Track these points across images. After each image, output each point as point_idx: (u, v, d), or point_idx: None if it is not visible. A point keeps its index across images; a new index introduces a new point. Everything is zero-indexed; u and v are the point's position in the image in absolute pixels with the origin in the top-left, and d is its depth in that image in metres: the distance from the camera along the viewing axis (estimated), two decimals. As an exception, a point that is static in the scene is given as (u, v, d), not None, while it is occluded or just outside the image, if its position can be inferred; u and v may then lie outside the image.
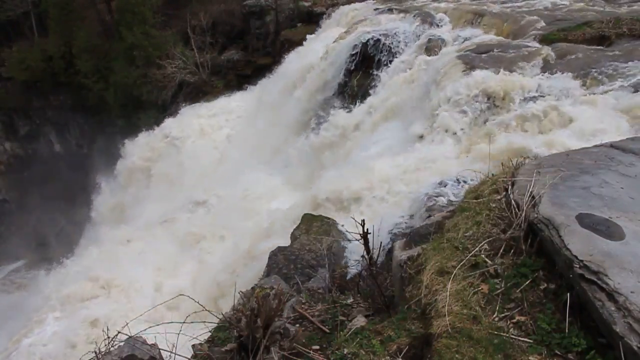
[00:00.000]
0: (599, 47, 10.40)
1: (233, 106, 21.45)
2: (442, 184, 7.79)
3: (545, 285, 3.20)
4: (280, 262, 7.63)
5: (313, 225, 8.52)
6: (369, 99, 13.45)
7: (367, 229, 4.27)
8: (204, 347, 3.87)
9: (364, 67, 14.78)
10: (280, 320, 3.67)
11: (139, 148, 21.41)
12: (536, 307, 3.11)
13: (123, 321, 3.76)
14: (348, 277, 6.29)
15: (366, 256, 4.46)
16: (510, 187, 3.97)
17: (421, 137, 10.01)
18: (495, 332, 2.98)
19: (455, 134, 9.42)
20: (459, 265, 3.46)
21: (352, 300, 4.63)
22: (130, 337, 3.58)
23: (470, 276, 3.37)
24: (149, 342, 3.64)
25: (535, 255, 3.38)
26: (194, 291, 10.69)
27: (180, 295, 4.02)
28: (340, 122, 13.78)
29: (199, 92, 24.52)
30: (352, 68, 14.99)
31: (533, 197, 3.59)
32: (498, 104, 9.26)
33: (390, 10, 17.21)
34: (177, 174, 18.91)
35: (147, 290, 11.64)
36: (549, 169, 4.04)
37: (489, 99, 9.38)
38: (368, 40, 14.83)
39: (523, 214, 3.50)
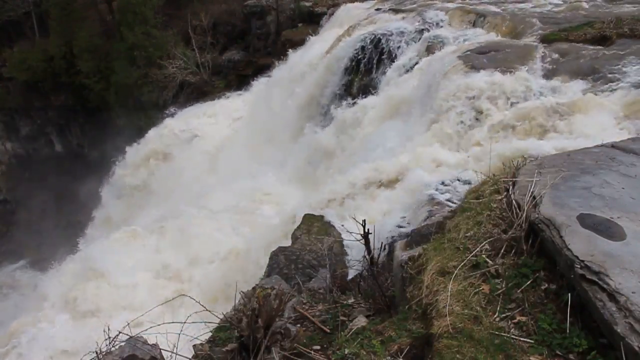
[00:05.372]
0: (600, 47, 10.39)
1: (234, 106, 21.44)
2: (443, 184, 7.78)
3: (546, 285, 3.20)
4: (281, 262, 7.64)
5: (314, 225, 8.52)
6: (369, 99, 13.44)
7: (368, 229, 4.27)
8: (205, 347, 3.87)
9: (365, 67, 14.78)
10: (281, 321, 3.67)
11: (141, 148, 21.39)
12: (537, 307, 3.10)
13: (124, 321, 3.76)
14: (349, 278, 6.28)
15: (367, 256, 4.46)
16: (511, 187, 3.97)
17: (422, 136, 10.01)
18: (496, 333, 2.98)
19: (456, 133, 9.42)
20: (460, 266, 3.46)
21: (353, 300, 4.63)
22: (131, 337, 3.58)
23: (471, 276, 3.37)
24: (150, 342, 3.64)
25: (536, 256, 3.38)
26: (195, 291, 10.69)
27: (182, 295, 4.02)
28: (340, 122, 13.77)
29: (200, 93, 24.54)
30: (353, 68, 14.99)
31: (534, 198, 3.59)
32: (499, 104, 9.26)
33: (391, 10, 17.22)
34: (178, 174, 18.90)
35: (148, 291, 11.63)
36: (550, 169, 4.03)
37: (490, 99, 9.38)
38: (369, 41, 14.83)
39: (524, 214, 3.49)
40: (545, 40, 11.23)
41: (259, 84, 21.91)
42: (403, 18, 15.74)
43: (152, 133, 21.69)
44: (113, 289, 11.70)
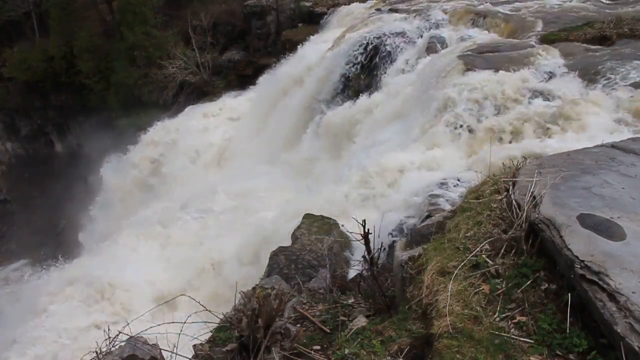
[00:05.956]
0: (600, 47, 10.40)
1: (234, 106, 21.43)
2: (444, 184, 7.78)
3: (546, 285, 3.20)
4: (281, 262, 7.64)
5: (314, 225, 8.52)
6: (370, 99, 13.44)
7: (368, 229, 4.26)
8: (205, 347, 3.87)
9: (365, 67, 14.77)
10: (281, 321, 3.67)
11: (140, 148, 21.36)
12: (537, 307, 3.10)
13: (123, 321, 3.76)
14: (349, 278, 6.28)
15: (367, 256, 4.45)
16: (511, 187, 3.97)
17: (422, 137, 10.00)
18: (496, 333, 2.98)
19: (456, 133, 9.41)
20: (460, 266, 3.45)
21: (353, 300, 4.63)
22: (131, 337, 3.58)
23: (471, 276, 3.37)
24: (150, 342, 3.65)
25: (536, 256, 3.38)
26: (195, 291, 10.68)
27: (181, 295, 4.02)
28: (340, 122, 13.76)
29: (200, 93, 24.53)
30: (353, 69, 14.98)
31: (534, 198, 3.59)
32: (499, 105, 9.25)
33: (391, 11, 17.23)
34: (178, 174, 18.88)
35: (148, 291, 11.63)
36: (550, 169, 4.03)
37: (489, 99, 9.37)
38: (369, 41, 14.82)
39: (524, 214, 3.49)
40: (546, 40, 11.23)
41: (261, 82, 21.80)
42: (403, 18, 15.75)
43: (150, 133, 21.37)
44: (113, 289, 11.69)
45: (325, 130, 14.30)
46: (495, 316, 3.10)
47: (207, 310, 3.65)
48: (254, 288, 5.30)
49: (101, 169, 21.01)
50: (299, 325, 4.08)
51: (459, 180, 7.70)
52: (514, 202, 3.72)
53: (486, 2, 15.60)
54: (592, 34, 10.94)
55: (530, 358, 2.82)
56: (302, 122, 15.81)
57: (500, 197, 4.09)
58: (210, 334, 4.21)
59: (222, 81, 25.38)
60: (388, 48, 14.30)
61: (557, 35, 11.30)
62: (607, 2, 14.23)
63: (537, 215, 3.44)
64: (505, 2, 15.53)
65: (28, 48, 30.06)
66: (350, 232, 4.44)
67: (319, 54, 17.53)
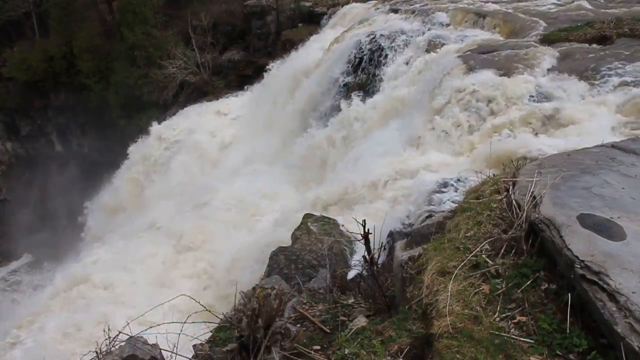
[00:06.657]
0: (600, 47, 10.39)
1: (234, 105, 21.43)
2: (443, 184, 7.78)
3: (547, 285, 3.20)
4: (281, 262, 7.64)
5: (314, 225, 8.52)
6: (369, 99, 13.43)
7: (368, 229, 4.26)
8: (205, 347, 3.87)
9: (364, 67, 14.76)
10: (281, 321, 3.67)
11: (141, 148, 21.35)
12: (537, 307, 3.10)
13: (124, 321, 3.76)
14: (349, 278, 6.28)
15: (367, 256, 4.46)
16: (511, 187, 3.97)
17: (422, 137, 10.00)
18: (496, 333, 2.98)
19: (456, 134, 9.41)
20: (460, 266, 3.45)
21: (353, 300, 4.63)
22: (131, 337, 3.58)
23: (471, 276, 3.37)
24: (150, 342, 3.65)
25: (536, 256, 3.38)
26: (195, 292, 10.68)
27: (182, 295, 4.02)
28: (340, 122, 13.75)
29: (200, 92, 24.54)
30: (352, 68, 14.97)
31: (534, 197, 3.59)
32: (499, 105, 9.25)
33: (391, 10, 17.22)
34: (178, 174, 18.87)
35: (148, 291, 11.62)
36: (550, 169, 4.03)
37: (489, 99, 9.37)
38: (367, 41, 14.81)
39: (524, 214, 3.49)
40: (546, 40, 11.23)
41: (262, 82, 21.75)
42: (403, 18, 15.74)
43: (150, 133, 21.45)
44: (113, 289, 11.69)
45: (324, 129, 14.28)
46: (495, 316, 3.10)
47: (207, 310, 3.66)
48: (254, 288, 5.30)
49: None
50: (299, 325, 4.08)
51: (458, 180, 7.70)
52: (514, 202, 3.72)
53: (487, 2, 15.60)
54: (592, 34, 10.93)
55: (530, 358, 2.82)
56: (304, 122, 15.82)
57: (500, 197, 4.09)
58: (210, 334, 4.21)
59: (222, 81, 25.41)
60: (387, 48, 14.29)
61: (557, 35, 11.30)
62: (604, 1, 14.24)
63: (537, 215, 3.44)
64: (505, 2, 15.54)
65: (28, 48, 30.07)
66: (351, 232, 4.44)
67: (317, 54, 17.55)
